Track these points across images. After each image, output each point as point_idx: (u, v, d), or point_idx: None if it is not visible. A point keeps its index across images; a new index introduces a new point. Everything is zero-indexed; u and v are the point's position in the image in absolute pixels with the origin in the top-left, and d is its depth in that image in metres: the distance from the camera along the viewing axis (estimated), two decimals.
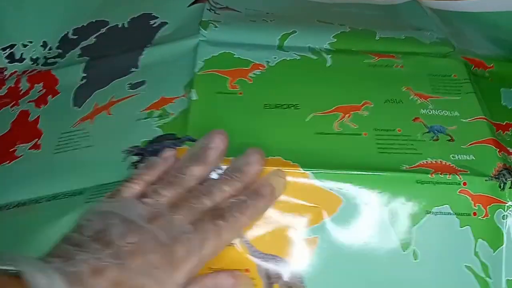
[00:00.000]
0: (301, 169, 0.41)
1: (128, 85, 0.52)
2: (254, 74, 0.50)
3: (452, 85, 0.50)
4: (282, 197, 0.40)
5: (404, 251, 0.39)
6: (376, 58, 0.52)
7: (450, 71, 0.51)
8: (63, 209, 0.42)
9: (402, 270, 0.39)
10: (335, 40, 0.55)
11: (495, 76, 0.53)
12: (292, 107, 0.47)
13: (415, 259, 0.39)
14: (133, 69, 0.53)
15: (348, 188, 0.40)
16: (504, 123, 0.48)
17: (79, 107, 0.52)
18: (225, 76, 0.50)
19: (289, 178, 0.40)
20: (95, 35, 0.61)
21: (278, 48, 0.53)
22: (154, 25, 0.59)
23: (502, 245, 0.40)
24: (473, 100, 0.49)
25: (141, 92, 0.50)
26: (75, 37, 0.61)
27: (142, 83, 0.51)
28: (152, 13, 0.61)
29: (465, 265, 0.39)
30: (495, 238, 0.40)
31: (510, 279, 0.39)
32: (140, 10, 0.62)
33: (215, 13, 0.58)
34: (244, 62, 0.51)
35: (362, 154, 0.43)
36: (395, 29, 0.58)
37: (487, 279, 0.39)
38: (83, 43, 0.60)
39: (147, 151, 0.44)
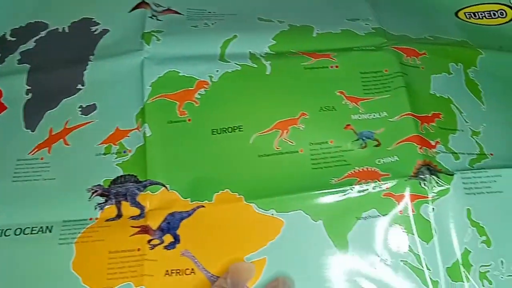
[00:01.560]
0: (245, 202, 0.50)
1: (80, 109, 0.57)
2: (200, 94, 0.55)
3: (383, 82, 0.56)
4: (233, 228, 0.50)
5: (343, 257, 0.48)
6: (313, 59, 0.57)
7: (381, 66, 0.57)
8: (34, 245, 0.49)
9: (343, 274, 0.48)
10: (275, 42, 0.59)
11: (427, 63, 0.59)
12: (236, 130, 0.54)
13: (354, 262, 0.48)
14: (79, 86, 0.58)
15: (287, 210, 0.50)
16: (430, 114, 0.55)
17: (33, 131, 0.56)
18: (173, 101, 0.55)
19: (236, 213, 0.50)
20: (35, 38, 0.63)
21: (220, 59, 0.58)
22: (96, 32, 0.62)
23: (434, 236, 0.49)
24: (402, 95, 0.55)
25: (95, 120, 0.56)
26: (13, 39, 0.63)
27: (93, 107, 0.57)
28: (93, 18, 0.63)
29: (401, 260, 0.49)
30: (425, 231, 0.49)
31: (449, 266, 0.48)
32: (81, 13, 0.64)
33: (157, 19, 0.61)
34: (189, 81, 0.57)
35: (298, 173, 0.52)
36: (332, 21, 0.62)
37: (425, 270, 0.48)
38: (22, 47, 0.62)
39: (111, 193, 0.51)
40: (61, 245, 0.49)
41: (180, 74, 0.57)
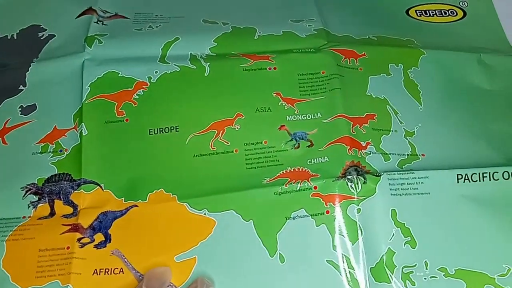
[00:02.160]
0: (178, 201, 0.50)
1: (20, 109, 0.57)
2: (138, 95, 0.55)
3: (319, 83, 0.57)
4: (165, 228, 0.50)
5: (271, 257, 0.49)
6: (252, 61, 0.58)
7: (319, 68, 0.58)
8: None
9: (271, 274, 0.49)
10: (216, 44, 0.60)
11: (365, 64, 0.59)
12: (173, 130, 0.54)
13: (282, 262, 0.49)
14: (21, 87, 0.58)
15: (219, 210, 0.50)
16: (364, 115, 0.55)
17: None
18: (111, 101, 0.55)
19: (168, 213, 0.50)
20: None
21: (160, 60, 0.58)
22: (42, 37, 0.63)
23: (359, 237, 0.49)
24: (336, 96, 0.56)
25: (34, 120, 0.56)
26: None
27: (33, 107, 0.57)
28: (40, 25, 0.64)
29: (326, 260, 0.49)
30: (351, 231, 0.49)
31: (373, 266, 0.49)
32: (29, 20, 0.65)
33: (103, 24, 0.62)
34: (128, 81, 0.57)
35: (232, 173, 0.52)
36: (275, 22, 0.63)
37: (350, 270, 0.49)
38: None
39: (45, 192, 0.51)
40: None
41: (119, 75, 0.57)
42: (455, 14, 0.68)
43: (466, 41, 0.65)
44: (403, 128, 0.55)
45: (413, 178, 0.50)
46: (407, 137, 0.55)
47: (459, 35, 0.66)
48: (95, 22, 0.62)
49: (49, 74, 0.58)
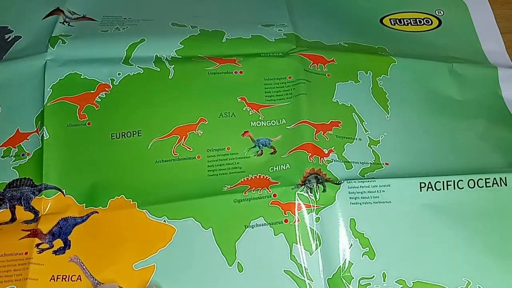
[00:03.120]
0: (138, 208, 0.50)
1: None
2: (100, 97, 0.55)
3: (285, 89, 0.56)
4: (124, 235, 0.49)
5: (230, 266, 0.48)
6: (218, 64, 0.57)
7: (285, 73, 0.57)
8: None
9: (229, 283, 0.48)
10: (182, 46, 0.59)
11: (334, 70, 0.58)
12: (135, 134, 0.53)
13: (240, 271, 0.48)
14: None
15: (178, 217, 0.49)
16: (328, 122, 0.55)
17: None
18: (73, 104, 0.54)
19: (128, 220, 0.50)
20: None
21: (123, 62, 0.57)
22: (9, 39, 0.61)
23: (317, 247, 0.49)
24: (302, 102, 0.55)
25: None
26: None
27: None
28: (8, 27, 0.63)
29: (284, 270, 0.48)
30: (309, 240, 0.49)
31: (330, 277, 0.48)
32: None
33: (69, 25, 0.61)
34: (90, 83, 0.56)
35: (193, 180, 0.51)
36: (245, 26, 0.61)
37: (307, 280, 0.48)
38: None
39: (6, 197, 0.51)
40: None
41: (81, 77, 0.56)
42: (430, 23, 0.67)
43: (439, 50, 0.64)
44: (368, 137, 0.54)
45: (374, 186, 0.50)
46: (371, 146, 0.54)
47: (433, 44, 0.65)
48: (61, 23, 0.61)
49: (11, 75, 0.57)
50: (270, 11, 0.65)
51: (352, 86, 0.58)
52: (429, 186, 0.50)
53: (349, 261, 0.48)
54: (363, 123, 0.55)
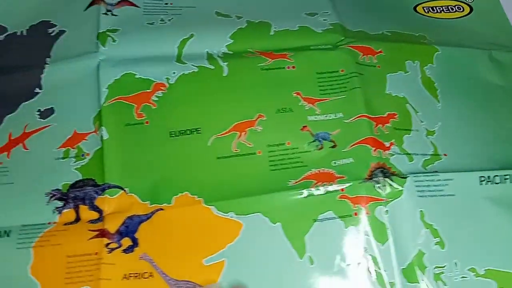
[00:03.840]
0: (204, 204, 0.50)
1: (38, 113, 0.56)
2: (157, 96, 0.55)
3: (339, 82, 0.56)
4: (192, 231, 0.50)
5: (301, 259, 0.49)
6: (270, 60, 0.57)
7: (337, 67, 0.57)
8: None
9: (301, 275, 0.49)
10: (232, 41, 0.59)
11: (383, 61, 0.59)
12: (195, 132, 0.54)
13: (311, 264, 0.49)
14: (37, 90, 0.57)
15: (246, 213, 0.50)
16: (385, 115, 0.55)
17: None
18: (130, 103, 0.55)
19: (195, 216, 0.50)
20: None
21: (176, 60, 0.57)
22: (52, 33, 0.61)
23: (388, 238, 0.49)
24: (357, 96, 0.56)
25: (53, 124, 0.55)
26: None
27: (51, 111, 0.56)
28: (50, 21, 0.62)
29: (358, 262, 0.49)
30: (380, 232, 0.50)
31: (404, 267, 0.49)
32: (38, 16, 0.63)
33: (112, 14, 0.60)
34: (145, 83, 0.56)
35: (256, 175, 0.52)
36: (290, 16, 0.62)
37: (382, 271, 0.49)
38: None
39: (70, 197, 0.52)
40: (19, 249, 0.49)
41: (136, 76, 0.56)
42: (461, 9, 0.68)
43: (475, 37, 0.65)
44: (424, 127, 0.55)
45: (438, 180, 0.51)
46: (428, 136, 0.55)
47: (468, 31, 0.66)
48: (103, 14, 0.60)
49: (65, 76, 0.57)
50: None
51: (402, 76, 0.58)
52: (488, 179, 0.51)
53: (422, 251, 0.49)
54: (418, 113, 0.56)
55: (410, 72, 0.59)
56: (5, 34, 0.62)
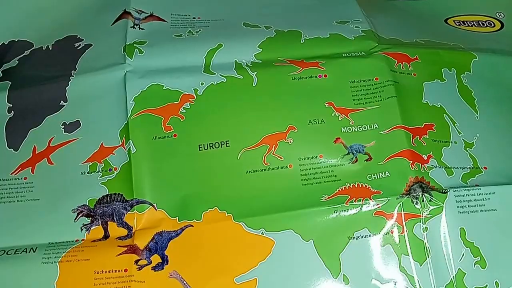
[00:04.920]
0: (234, 221, 0.50)
1: (63, 127, 0.55)
2: (185, 108, 0.54)
3: (373, 91, 0.55)
4: (222, 248, 0.49)
5: (335, 278, 0.48)
6: (301, 68, 0.56)
7: (371, 75, 0.55)
8: (19, 265, 0.49)
9: None
10: (261, 50, 0.58)
11: (419, 68, 0.57)
12: (223, 145, 0.53)
13: (346, 283, 0.48)
14: (62, 103, 0.57)
15: (277, 230, 0.49)
16: (422, 126, 0.53)
17: (16, 150, 0.55)
18: (157, 115, 0.54)
19: (225, 233, 0.50)
20: (18, 57, 0.62)
21: (204, 70, 0.56)
22: (79, 47, 0.61)
23: (427, 257, 0.48)
24: (393, 105, 0.54)
25: (79, 137, 0.55)
26: None
27: (76, 125, 0.56)
28: (77, 35, 0.62)
29: (394, 282, 0.48)
30: (418, 251, 0.48)
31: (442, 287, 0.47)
32: (65, 31, 0.63)
33: (140, 28, 0.60)
34: (173, 94, 0.55)
35: (287, 190, 0.51)
36: (320, 24, 0.60)
37: None
38: (5, 65, 0.61)
39: (97, 213, 0.51)
40: (45, 264, 0.48)
41: (164, 88, 0.55)
42: (492, 25, 0.66)
43: (509, 47, 0.62)
44: (462, 139, 0.53)
45: (479, 194, 0.49)
46: (467, 149, 0.53)
47: (501, 43, 0.63)
48: (131, 27, 0.60)
49: (90, 88, 0.56)
50: (340, 6, 0.64)
51: (438, 85, 0.56)
52: None
53: (462, 271, 0.47)
54: (455, 124, 0.54)
55: (446, 80, 0.57)
56: (30, 49, 0.62)
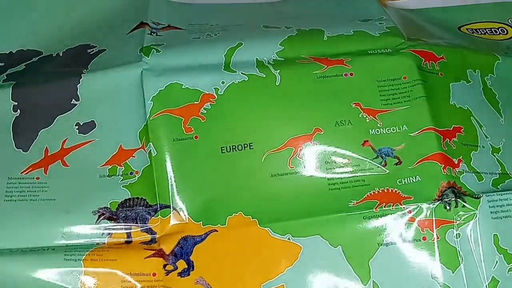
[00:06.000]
0: (260, 226, 0.49)
1: (77, 127, 0.54)
2: (205, 109, 0.53)
3: (402, 91, 0.54)
4: (248, 254, 0.49)
5: (365, 285, 0.48)
6: (326, 66, 0.54)
7: (399, 73, 0.54)
8: (39, 260, 0.47)
9: None
10: (282, 48, 0.56)
11: (445, 68, 0.56)
12: (247, 147, 0.52)
13: None
14: (74, 101, 0.55)
15: (304, 235, 0.49)
16: (451, 128, 0.53)
17: (25, 150, 0.54)
18: (177, 116, 0.53)
19: (251, 238, 0.49)
20: (26, 63, 0.60)
21: (225, 68, 0.55)
22: (92, 52, 0.59)
23: (460, 264, 0.47)
24: (422, 106, 0.53)
25: (95, 139, 0.53)
26: (1, 64, 0.60)
27: (91, 125, 0.54)
28: (90, 43, 0.60)
29: None
30: (451, 258, 0.48)
31: None
32: (76, 40, 0.61)
33: (157, 35, 0.58)
34: (193, 94, 0.54)
35: (314, 195, 0.50)
36: (343, 23, 0.59)
37: None
38: (11, 70, 0.59)
39: (120, 217, 0.50)
40: (67, 261, 0.47)
41: (183, 87, 0.53)
42: (505, 32, 0.66)
43: None
44: (490, 144, 0.53)
45: None
46: (494, 154, 0.52)
47: None
48: (148, 34, 0.58)
49: (104, 87, 0.55)
50: (362, 6, 0.63)
51: (464, 86, 0.55)
52: None
53: (496, 279, 0.47)
54: (482, 128, 0.53)
55: (472, 82, 0.56)
56: (39, 57, 0.60)
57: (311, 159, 0.51)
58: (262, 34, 0.58)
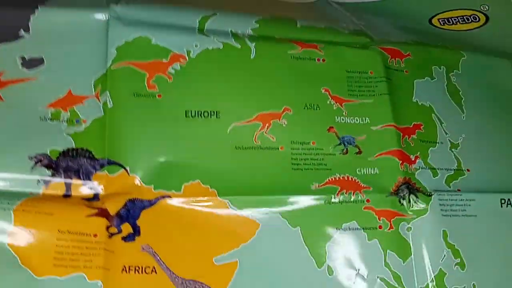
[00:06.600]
0: (219, 197, 0.47)
1: (21, 61, 0.48)
2: (174, 69, 0.50)
3: (367, 85, 0.55)
4: (203, 225, 0.46)
5: (319, 268, 0.47)
6: (300, 48, 0.55)
7: (367, 67, 0.56)
8: None
9: (318, 285, 0.47)
10: (258, 25, 0.55)
11: (411, 65, 0.58)
12: (213, 116, 0.50)
13: (330, 275, 0.48)
14: (22, 32, 0.49)
15: (263, 212, 0.47)
16: (411, 125, 0.55)
17: None
18: (141, 70, 0.49)
19: (208, 209, 0.46)
20: None
21: (199, 32, 0.52)
22: None
23: (410, 255, 0.49)
24: (385, 103, 0.55)
25: (40, 77, 0.48)
26: None
27: (39, 62, 0.48)
28: None
29: (378, 276, 0.48)
30: (403, 249, 0.49)
31: (423, 286, 0.49)
32: None
33: None
34: (162, 51, 0.51)
35: (277, 172, 0.49)
36: (313, 19, 0.59)
37: None
38: None
39: (60, 166, 0.45)
40: None
41: (152, 42, 0.50)
42: (477, 19, 0.66)
43: (495, 46, 0.65)
44: (448, 139, 0.56)
45: (461, 200, 0.52)
46: (452, 150, 0.55)
47: (487, 41, 0.66)
48: None
49: (62, 24, 0.50)
50: (328, 13, 0.63)
51: (428, 83, 0.58)
52: (509, 202, 0.53)
53: (443, 271, 0.49)
54: (443, 124, 0.56)
55: (436, 78, 0.59)
56: None
57: (277, 137, 0.50)
58: (237, 12, 0.56)
